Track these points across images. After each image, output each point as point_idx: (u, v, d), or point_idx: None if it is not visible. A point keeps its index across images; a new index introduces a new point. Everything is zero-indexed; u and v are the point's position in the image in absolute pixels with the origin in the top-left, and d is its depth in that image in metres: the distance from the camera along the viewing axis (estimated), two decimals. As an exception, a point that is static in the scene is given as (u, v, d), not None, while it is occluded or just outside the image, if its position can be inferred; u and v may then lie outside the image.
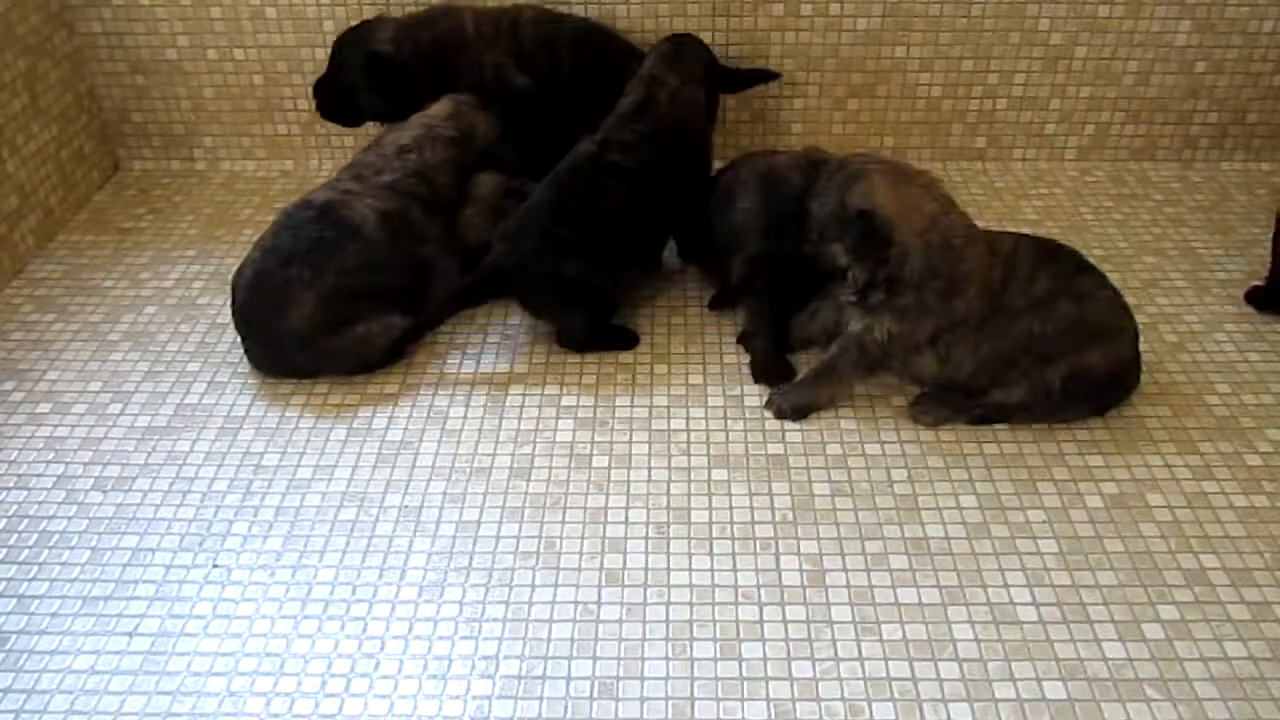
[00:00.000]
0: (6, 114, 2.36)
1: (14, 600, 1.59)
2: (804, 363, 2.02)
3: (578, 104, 2.39)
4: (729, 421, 1.92)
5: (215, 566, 1.64)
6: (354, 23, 2.49)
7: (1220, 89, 2.69)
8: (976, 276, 1.80)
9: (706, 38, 2.60)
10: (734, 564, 1.63)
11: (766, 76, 2.51)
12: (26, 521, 1.73)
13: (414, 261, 2.09)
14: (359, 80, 2.42)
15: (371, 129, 2.70)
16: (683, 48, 2.28)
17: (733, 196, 2.15)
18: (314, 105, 2.53)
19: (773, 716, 1.41)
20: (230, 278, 2.07)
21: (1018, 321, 1.82)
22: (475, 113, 2.27)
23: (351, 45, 2.43)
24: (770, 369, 2.02)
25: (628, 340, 2.12)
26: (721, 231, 2.15)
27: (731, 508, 1.73)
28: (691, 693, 1.44)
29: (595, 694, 1.44)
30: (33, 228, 2.44)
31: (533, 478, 1.80)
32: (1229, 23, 2.60)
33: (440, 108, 2.26)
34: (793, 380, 1.99)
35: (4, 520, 1.73)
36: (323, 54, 2.64)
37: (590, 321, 2.09)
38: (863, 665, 1.47)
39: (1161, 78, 2.68)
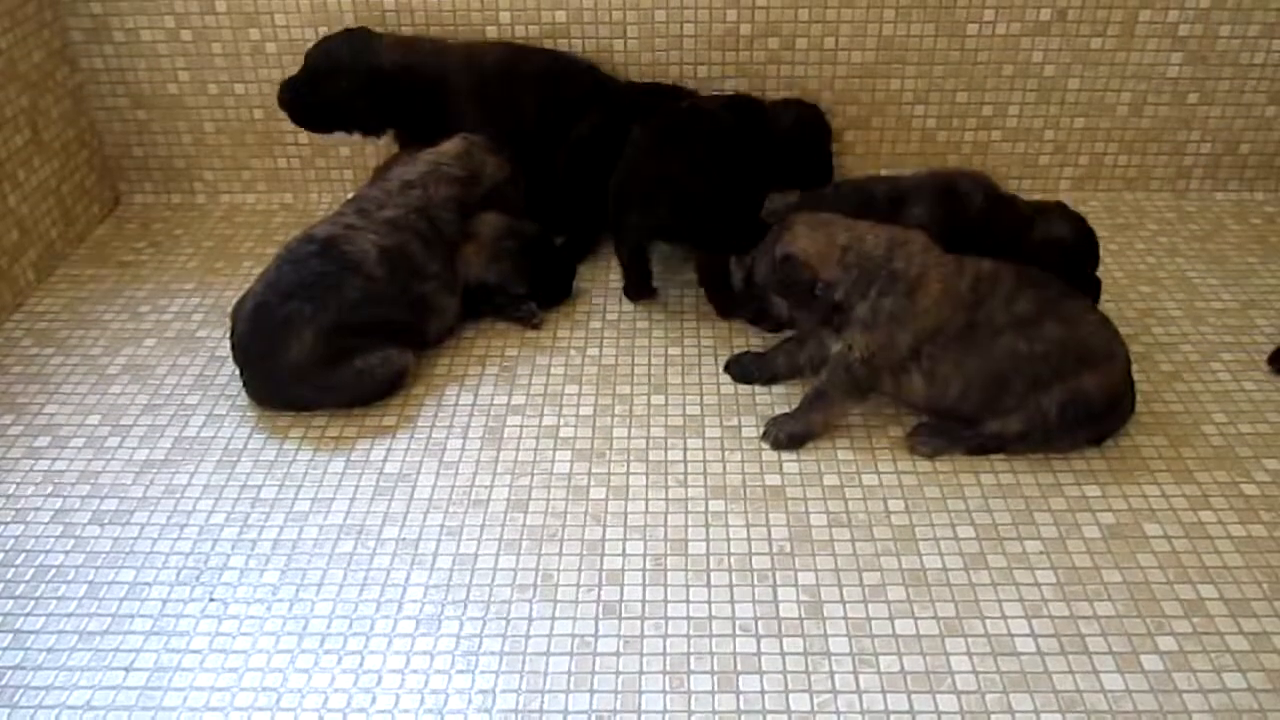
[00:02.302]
0: (9, 149, 2.38)
1: (10, 635, 1.59)
2: (798, 393, 2.03)
3: (544, 142, 2.44)
4: (726, 453, 1.92)
5: (212, 600, 1.64)
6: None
7: (1213, 120, 2.71)
8: (930, 275, 1.84)
9: (703, 70, 2.66)
10: (731, 595, 1.63)
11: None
12: (24, 555, 1.73)
13: (413, 297, 2.10)
14: (355, 90, 2.43)
15: (371, 160, 2.73)
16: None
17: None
18: (283, 104, 2.50)
19: (770, 750, 1.40)
20: (229, 311, 2.09)
21: (1000, 339, 1.83)
22: (485, 154, 2.30)
23: (357, 53, 2.43)
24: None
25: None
26: None
27: (729, 539, 1.73)
28: (689, 726, 1.43)
29: (592, 728, 1.44)
30: (33, 261, 2.46)
31: (530, 509, 1.80)
32: (1220, 55, 2.63)
33: (451, 145, 2.29)
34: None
35: (1, 554, 1.73)
36: (323, 88, 2.67)
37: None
38: (860, 698, 1.46)
39: (1154, 109, 2.70)
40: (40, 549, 1.74)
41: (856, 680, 1.49)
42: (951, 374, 1.86)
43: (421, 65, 2.46)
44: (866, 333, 1.85)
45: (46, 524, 1.79)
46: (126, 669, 1.53)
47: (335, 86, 2.44)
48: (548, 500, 1.82)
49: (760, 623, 1.58)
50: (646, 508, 1.80)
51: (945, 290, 1.83)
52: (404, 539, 1.75)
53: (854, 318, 1.86)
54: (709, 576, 1.66)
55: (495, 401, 2.06)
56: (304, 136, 2.74)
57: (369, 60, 2.43)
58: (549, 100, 2.46)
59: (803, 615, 1.59)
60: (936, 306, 1.83)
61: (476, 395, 2.08)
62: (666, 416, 2.01)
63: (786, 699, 1.46)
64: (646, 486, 1.85)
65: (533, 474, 1.88)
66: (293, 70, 2.65)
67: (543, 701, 1.47)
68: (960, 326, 1.83)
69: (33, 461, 1.93)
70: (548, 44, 2.61)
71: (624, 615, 1.60)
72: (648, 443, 1.95)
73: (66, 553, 1.73)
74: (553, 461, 1.91)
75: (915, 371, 1.87)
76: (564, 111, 2.45)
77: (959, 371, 1.85)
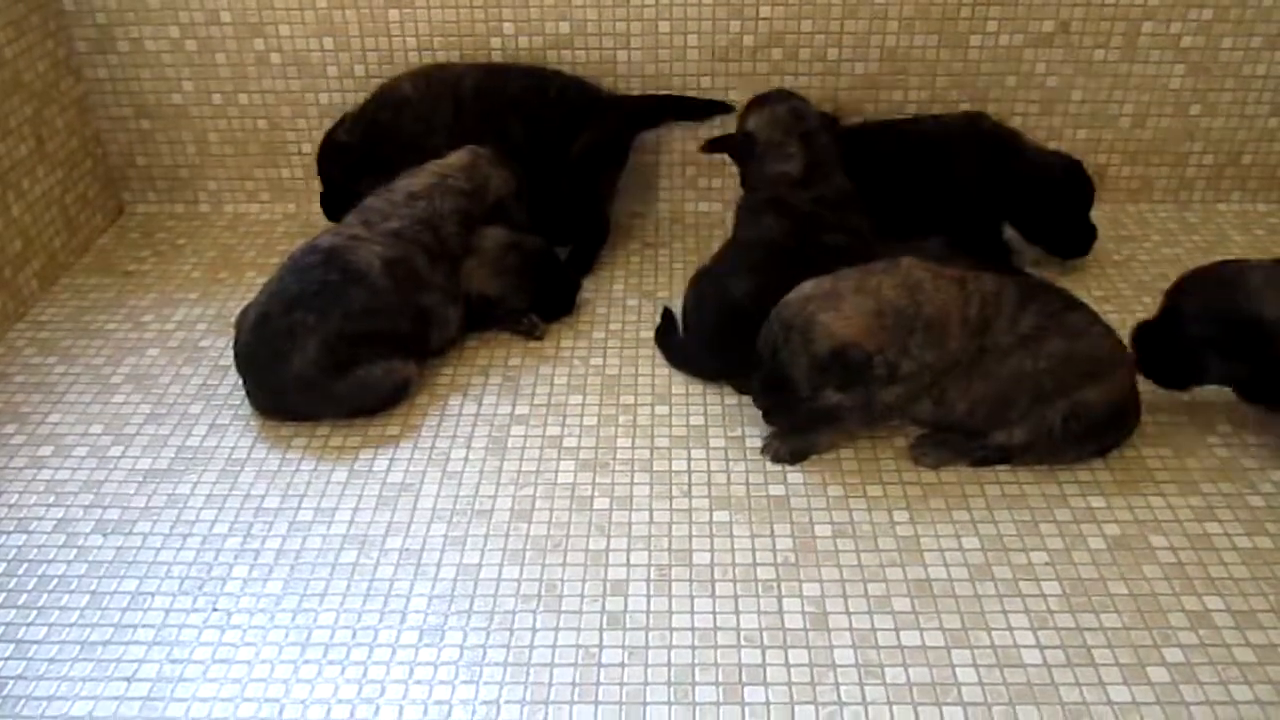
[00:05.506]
0: (13, 159, 2.38)
1: (12, 645, 1.58)
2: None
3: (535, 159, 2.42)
4: (730, 463, 1.92)
5: (215, 610, 1.64)
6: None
7: (1215, 131, 2.72)
8: (948, 309, 1.81)
9: (705, 82, 2.66)
10: (736, 606, 1.62)
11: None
12: (26, 565, 1.72)
13: (416, 308, 2.10)
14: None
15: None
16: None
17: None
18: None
19: (776, 762, 1.40)
20: (233, 320, 2.09)
21: (1007, 360, 1.82)
22: (491, 167, 2.29)
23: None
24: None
25: None
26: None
27: (733, 549, 1.73)
28: (694, 738, 1.43)
29: (597, 739, 1.43)
30: (37, 271, 2.46)
31: (534, 520, 1.80)
32: (1222, 66, 2.64)
33: (457, 158, 2.28)
34: None
35: (3, 564, 1.73)
36: (326, 99, 2.68)
37: None
38: (866, 710, 1.46)
39: (1157, 120, 2.71)
40: (43, 559, 1.74)
41: (862, 692, 1.48)
42: (959, 397, 1.85)
43: (376, 122, 2.48)
44: (907, 384, 1.82)
45: (49, 533, 1.79)
46: (129, 679, 1.52)
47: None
48: (551, 510, 1.82)
49: (765, 634, 1.58)
50: (650, 518, 1.80)
51: (962, 323, 1.81)
52: (407, 549, 1.74)
53: (900, 374, 1.80)
54: (713, 587, 1.66)
55: (499, 411, 2.06)
56: (307, 146, 2.74)
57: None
58: (534, 118, 2.44)
59: (808, 626, 1.59)
60: (957, 342, 1.81)
61: (480, 405, 2.08)
62: (670, 427, 2.01)
63: (792, 710, 1.46)
64: (650, 497, 1.84)
65: (536, 484, 1.88)
66: (298, 83, 2.67)
67: (547, 713, 1.46)
68: (973, 353, 1.82)
69: (35, 471, 1.92)
70: (550, 55, 2.62)
71: (628, 626, 1.59)
72: (652, 453, 1.94)
73: (69, 562, 1.73)
74: (556, 472, 1.90)
75: (925, 398, 1.86)
76: (554, 128, 2.43)
77: (966, 395, 1.85)
